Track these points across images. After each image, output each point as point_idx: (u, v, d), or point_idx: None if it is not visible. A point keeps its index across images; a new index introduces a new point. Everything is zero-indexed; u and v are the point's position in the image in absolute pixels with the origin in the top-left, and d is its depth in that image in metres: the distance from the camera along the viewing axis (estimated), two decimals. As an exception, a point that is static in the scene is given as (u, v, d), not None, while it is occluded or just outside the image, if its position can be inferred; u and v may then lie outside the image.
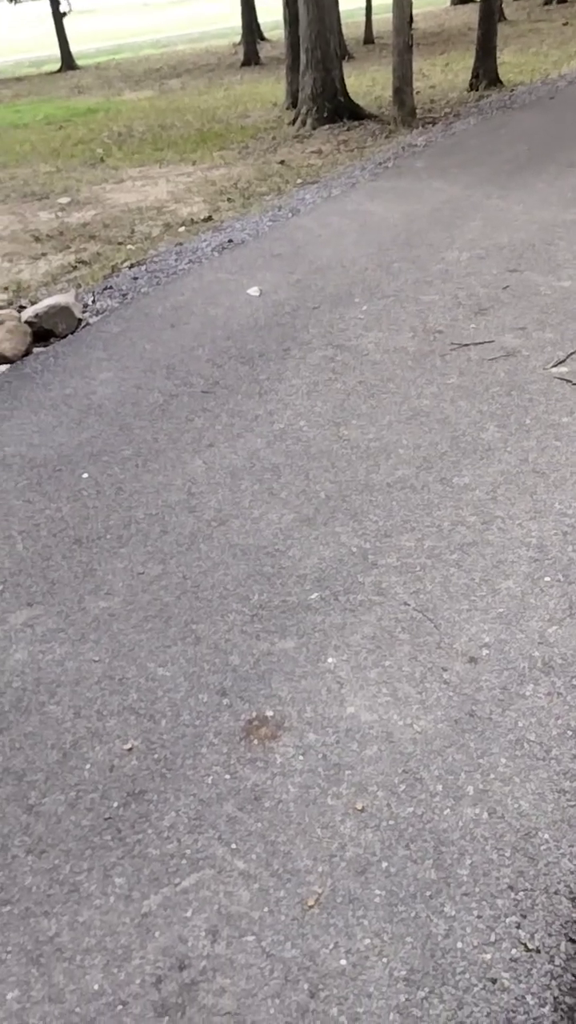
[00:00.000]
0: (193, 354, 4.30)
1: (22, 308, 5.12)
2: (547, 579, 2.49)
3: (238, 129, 11.22)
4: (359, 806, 1.86)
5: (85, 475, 3.30)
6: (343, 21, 11.64)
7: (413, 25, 9.91)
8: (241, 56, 20.52)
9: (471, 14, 19.64)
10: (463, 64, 13.75)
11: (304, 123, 10.60)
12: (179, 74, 20.14)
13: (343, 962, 1.57)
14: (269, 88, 14.95)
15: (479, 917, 1.62)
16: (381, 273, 5.10)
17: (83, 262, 6.18)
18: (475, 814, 1.82)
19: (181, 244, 6.34)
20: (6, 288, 5.71)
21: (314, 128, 10.45)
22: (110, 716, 2.18)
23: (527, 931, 1.59)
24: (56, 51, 25.71)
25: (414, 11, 9.93)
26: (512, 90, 11.60)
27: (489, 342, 4.03)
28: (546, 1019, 1.46)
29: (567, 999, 1.48)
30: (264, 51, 21.22)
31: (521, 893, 1.66)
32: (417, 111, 10.36)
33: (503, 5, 19.13)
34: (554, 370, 3.70)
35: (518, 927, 1.60)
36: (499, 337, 4.07)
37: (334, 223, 6.29)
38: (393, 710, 2.10)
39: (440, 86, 12.72)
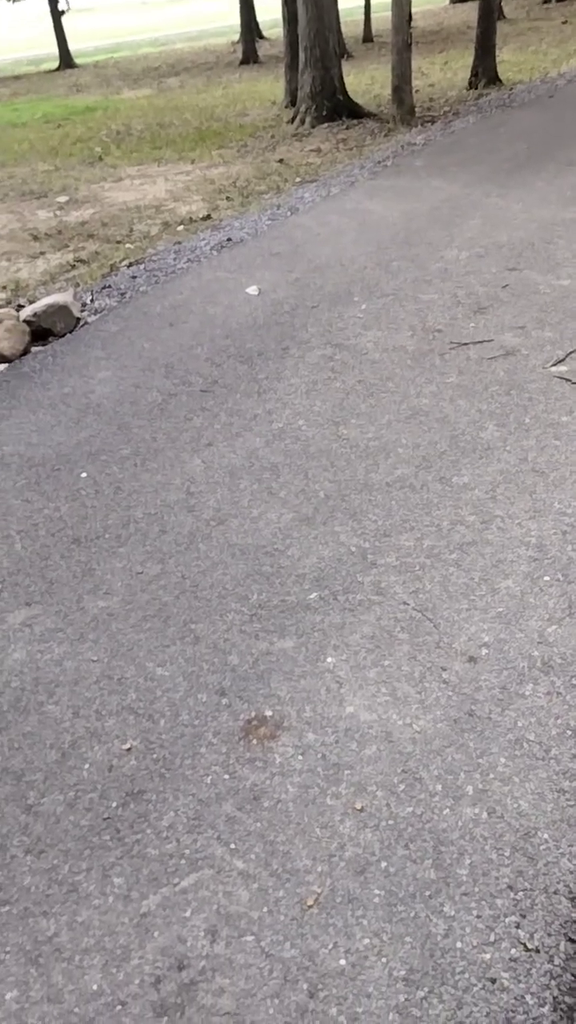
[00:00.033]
0: (192, 353, 4.30)
1: (20, 307, 5.12)
2: (546, 578, 2.48)
3: (237, 128, 11.21)
4: (358, 806, 1.86)
5: (84, 474, 3.30)
6: (342, 19, 11.63)
7: (412, 23, 9.91)
8: (240, 54, 20.52)
9: (470, 12, 19.64)
10: (462, 62, 13.74)
11: (303, 121, 10.59)
12: (177, 72, 20.12)
13: (342, 962, 1.57)
14: (268, 86, 14.94)
15: (478, 917, 1.62)
16: (380, 272, 5.09)
17: (81, 261, 6.17)
18: (474, 814, 1.82)
19: (180, 243, 6.33)
20: (4, 287, 5.71)
21: (313, 126, 10.44)
22: (109, 716, 2.17)
23: (526, 931, 1.59)
24: (54, 49, 25.69)
25: (413, 9, 9.93)
26: (511, 88, 11.59)
27: (488, 341, 4.03)
28: (545, 1019, 1.46)
29: (567, 999, 1.48)
30: (263, 49, 21.21)
31: (520, 893, 1.65)
32: (416, 109, 10.35)
33: (502, 3, 19.13)
34: (553, 369, 3.69)
35: (517, 927, 1.60)
36: (498, 336, 4.07)
37: (333, 222, 6.28)
38: (392, 710, 2.09)
39: (439, 84, 12.71)
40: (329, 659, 2.27)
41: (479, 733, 2.01)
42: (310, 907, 1.67)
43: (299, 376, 3.91)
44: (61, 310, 4.78)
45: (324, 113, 10.50)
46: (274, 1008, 1.51)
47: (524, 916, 1.61)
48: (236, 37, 22.47)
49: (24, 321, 4.70)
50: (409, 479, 3.04)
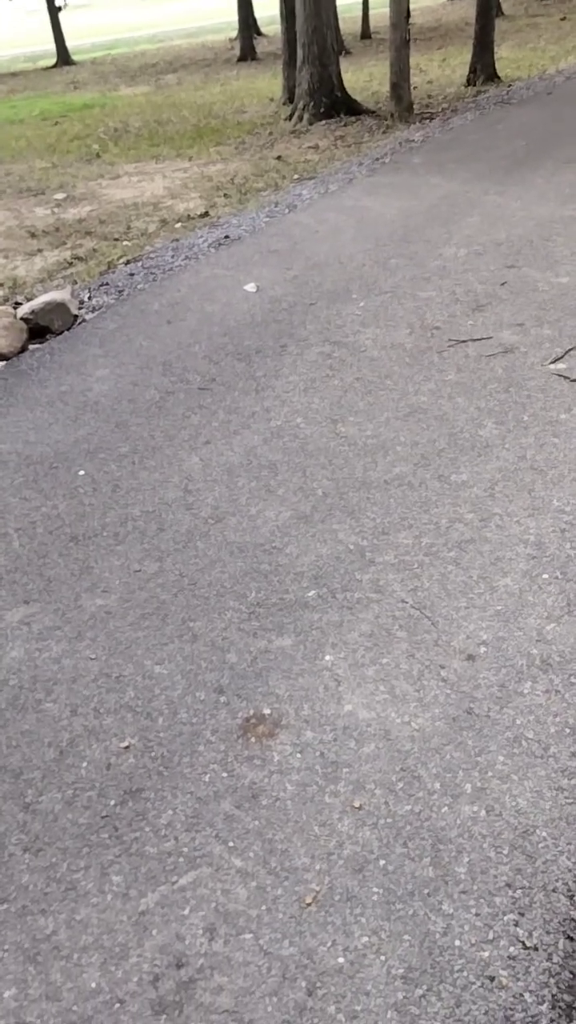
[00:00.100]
0: (190, 351, 4.29)
1: (18, 304, 5.10)
2: (545, 576, 2.48)
3: (234, 125, 11.19)
4: (357, 804, 1.86)
5: (81, 472, 3.30)
6: (340, 16, 11.63)
7: (410, 20, 9.89)
8: (237, 51, 20.48)
9: (468, 9, 19.61)
10: (460, 59, 13.72)
11: (301, 118, 10.57)
12: (175, 69, 20.08)
13: (341, 960, 1.57)
14: (266, 83, 14.91)
15: (477, 915, 1.62)
16: (378, 269, 5.09)
17: (79, 258, 6.16)
18: (473, 812, 1.82)
19: (177, 240, 6.32)
20: (2, 284, 5.70)
21: (311, 124, 10.43)
22: (107, 714, 2.17)
23: (525, 929, 1.59)
24: (52, 46, 25.63)
25: (411, 6, 9.91)
26: (510, 86, 11.58)
27: (487, 338, 4.03)
28: (544, 1017, 1.46)
29: (565, 996, 1.48)
30: (261, 46, 21.17)
31: (519, 891, 1.65)
32: (414, 106, 10.34)
33: (500, 0, 19.11)
34: (552, 366, 3.69)
35: (516, 925, 1.60)
36: (497, 333, 4.06)
37: (331, 219, 6.27)
38: (391, 708, 2.09)
39: (437, 81, 12.70)
40: (327, 657, 2.27)
41: (478, 731, 2.01)
42: (308, 905, 1.67)
43: (297, 374, 3.91)
44: (59, 308, 4.77)
45: (322, 110, 10.48)
46: (272, 1006, 1.51)
47: (523, 914, 1.61)
48: (234, 34, 22.43)
49: (22, 319, 4.69)
50: (407, 477, 3.04)
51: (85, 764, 2.03)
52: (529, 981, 1.51)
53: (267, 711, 2.13)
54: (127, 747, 2.07)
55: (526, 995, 1.49)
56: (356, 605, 2.45)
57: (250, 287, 5.05)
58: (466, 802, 1.84)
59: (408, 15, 9.71)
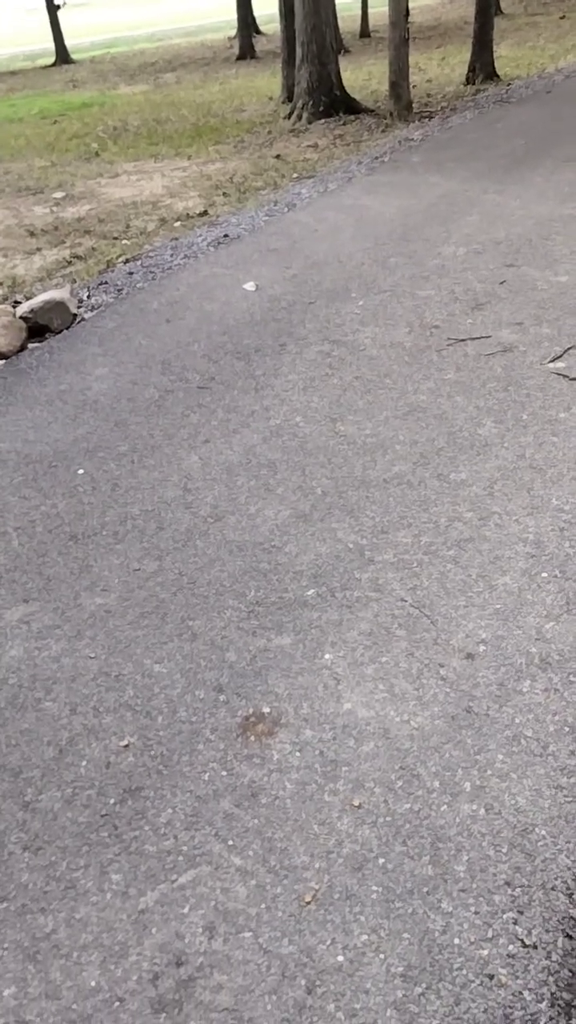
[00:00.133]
0: (189, 349, 4.29)
1: (17, 303, 5.10)
2: (544, 575, 2.48)
3: (233, 123, 11.19)
4: (356, 802, 1.86)
5: (81, 471, 3.29)
6: (339, 15, 11.63)
7: (409, 19, 9.88)
8: (236, 50, 20.47)
9: (468, 8, 19.61)
10: (459, 58, 13.71)
11: (300, 117, 10.56)
12: (174, 68, 20.07)
13: (340, 958, 1.57)
14: (265, 82, 14.90)
15: (476, 913, 1.62)
16: (377, 268, 5.09)
17: (78, 257, 6.16)
18: (472, 810, 1.82)
19: (176, 239, 6.32)
20: (1, 283, 5.69)
21: (310, 122, 10.42)
22: (106, 713, 2.17)
23: (524, 927, 1.59)
24: (51, 44, 25.60)
25: (410, 5, 9.90)
26: (509, 84, 11.58)
27: (486, 337, 4.03)
28: (543, 1015, 1.46)
29: (564, 995, 1.49)
30: (260, 45, 21.16)
31: (518, 889, 1.66)
32: (413, 105, 10.33)
33: (499, -1, 19.11)
34: (551, 365, 3.69)
35: (515, 923, 1.60)
36: (496, 332, 4.06)
37: (330, 218, 6.27)
38: (390, 706, 2.10)
39: (437, 80, 12.69)
40: (327, 656, 2.27)
41: (477, 730, 2.01)
42: (308, 903, 1.67)
43: (296, 372, 3.91)
44: (58, 306, 4.77)
45: (321, 109, 10.48)
46: (272, 1004, 1.51)
47: (522, 912, 1.62)
48: (233, 32, 22.41)
49: (21, 317, 4.69)
50: (407, 476, 3.04)
51: (84, 763, 2.03)
52: (528, 979, 1.51)
53: (266, 710, 2.13)
54: (126, 746, 2.07)
55: (525, 993, 1.49)
56: (355, 604, 2.45)
57: (249, 286, 5.05)
58: (465, 800, 1.84)
59: (407, 14, 9.71)
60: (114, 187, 8.32)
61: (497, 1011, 1.47)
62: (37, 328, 4.70)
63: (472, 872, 1.69)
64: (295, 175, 7.96)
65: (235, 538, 2.80)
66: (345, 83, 10.93)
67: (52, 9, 24.92)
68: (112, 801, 1.93)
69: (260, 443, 3.36)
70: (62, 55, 25.00)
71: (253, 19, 21.80)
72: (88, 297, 5.23)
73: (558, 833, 1.75)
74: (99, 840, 1.84)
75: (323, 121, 10.39)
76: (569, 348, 3.81)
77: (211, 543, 2.79)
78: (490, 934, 1.58)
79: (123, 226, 6.88)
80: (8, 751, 2.09)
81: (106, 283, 5.45)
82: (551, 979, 1.51)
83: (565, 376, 3.58)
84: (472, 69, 11.99)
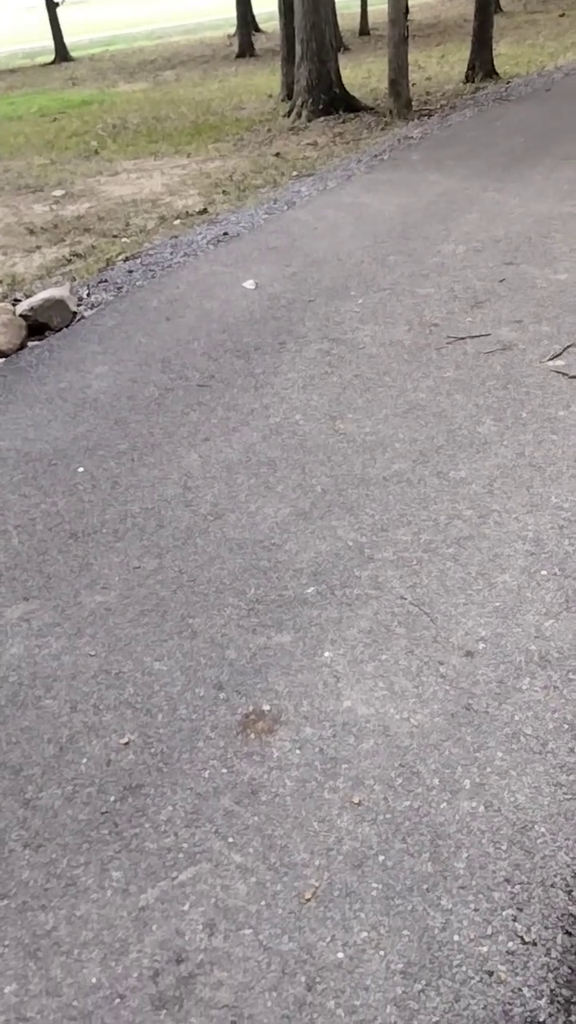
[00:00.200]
0: (188, 348, 4.29)
1: (17, 301, 5.10)
2: (543, 573, 2.49)
3: (233, 121, 11.18)
4: (356, 800, 1.87)
5: (81, 469, 3.30)
6: (339, 12, 11.61)
7: (409, 16, 9.88)
8: (236, 48, 20.45)
9: (467, 5, 19.59)
10: (459, 56, 13.70)
11: (299, 115, 10.56)
12: (174, 66, 20.05)
13: (340, 955, 1.58)
14: (264, 80, 14.89)
15: (476, 910, 1.63)
16: (377, 266, 5.09)
17: (78, 255, 6.15)
18: (472, 807, 1.82)
19: (176, 237, 6.31)
20: (1, 281, 5.69)
21: (309, 120, 10.41)
22: (107, 710, 2.17)
23: (523, 924, 1.60)
24: (50, 42, 25.57)
25: (410, 2, 9.89)
26: (508, 82, 11.57)
27: (485, 335, 4.03)
28: (542, 1011, 1.46)
29: (563, 991, 1.49)
30: (259, 42, 21.14)
31: (518, 886, 1.66)
32: (413, 103, 10.33)
33: (499, -4, 19.09)
34: (550, 363, 3.70)
35: (515, 920, 1.60)
36: (495, 330, 4.06)
37: (330, 216, 6.27)
38: (390, 704, 2.10)
39: (436, 78, 12.68)
40: (326, 653, 2.28)
41: (476, 727, 2.01)
42: (308, 900, 1.67)
43: (296, 371, 3.91)
44: (57, 304, 4.77)
45: (320, 107, 10.47)
46: (272, 1001, 1.52)
47: (521, 909, 1.62)
48: (232, 30, 22.39)
49: (20, 315, 4.69)
50: (406, 474, 3.04)
51: (85, 760, 2.04)
52: (528, 976, 1.51)
53: (266, 707, 2.13)
54: (127, 743, 2.07)
55: (524, 990, 1.49)
56: (355, 601, 2.45)
57: (249, 284, 5.05)
58: (465, 798, 1.84)
59: (407, 11, 9.70)
60: (114, 185, 8.31)
61: (497, 1007, 1.47)
62: (37, 326, 4.70)
63: (472, 869, 1.70)
64: (295, 173, 7.95)
65: (235, 536, 2.80)
66: (345, 81, 10.93)
67: (51, 7, 24.88)
68: (112, 798, 1.93)
69: (260, 441, 3.36)
70: (61, 53, 24.97)
71: (252, 17, 21.78)
72: (88, 295, 5.23)
73: (557, 830, 1.76)
74: (99, 837, 1.85)
75: (323, 119, 10.38)
76: (568, 346, 3.81)
77: (211, 541, 2.79)
78: (490, 931, 1.59)
79: (123, 224, 6.87)
80: (9, 749, 2.10)
81: (106, 281, 5.45)
82: (550, 976, 1.51)
83: (564, 374, 3.59)
84: (471, 67, 11.98)
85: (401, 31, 9.64)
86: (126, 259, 5.91)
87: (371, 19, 20.88)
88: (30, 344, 4.60)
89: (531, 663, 2.18)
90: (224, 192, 7.56)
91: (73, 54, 25.48)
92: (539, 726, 2.00)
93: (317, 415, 3.51)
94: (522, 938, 1.57)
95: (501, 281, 4.63)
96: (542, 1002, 1.48)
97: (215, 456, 3.29)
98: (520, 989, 1.50)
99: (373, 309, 4.48)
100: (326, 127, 10.06)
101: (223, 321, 4.56)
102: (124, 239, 6.46)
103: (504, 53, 13.78)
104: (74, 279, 5.60)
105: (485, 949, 1.56)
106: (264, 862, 1.75)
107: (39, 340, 4.65)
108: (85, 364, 4.24)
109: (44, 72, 22.70)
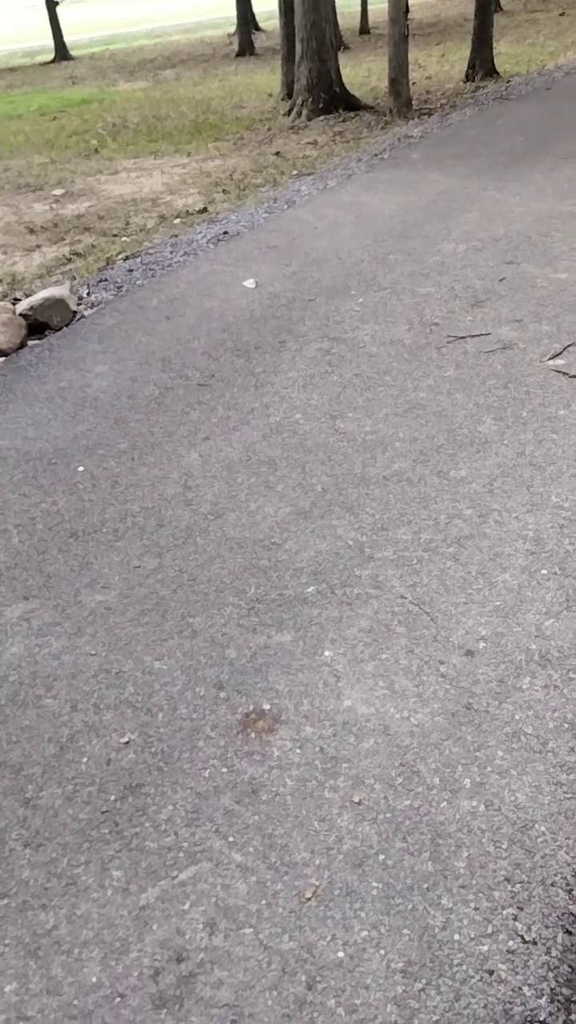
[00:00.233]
0: (189, 347, 4.29)
1: (16, 300, 5.10)
2: (544, 572, 2.49)
3: (233, 120, 11.17)
4: (356, 799, 1.87)
5: (81, 468, 3.30)
6: (339, 11, 11.61)
7: (409, 15, 9.87)
8: (236, 46, 20.45)
9: (467, 4, 19.59)
10: (459, 55, 13.69)
11: (299, 114, 10.55)
12: (174, 65, 20.04)
13: (340, 954, 1.58)
14: (264, 79, 14.88)
15: (476, 909, 1.63)
16: (377, 265, 5.09)
17: (78, 254, 6.15)
18: (472, 807, 1.82)
19: (176, 236, 6.31)
20: (0, 280, 5.69)
21: (309, 119, 10.41)
22: (107, 710, 2.17)
23: (524, 923, 1.60)
24: (49, 41, 25.56)
25: (410, 1, 9.89)
26: (508, 81, 11.56)
27: (486, 334, 4.02)
28: (543, 1010, 1.46)
29: (564, 990, 1.49)
30: (259, 41, 21.14)
31: (518, 885, 1.66)
32: (413, 102, 10.32)
33: (499, -5, 19.08)
34: (551, 363, 3.69)
35: (515, 919, 1.60)
36: (496, 329, 4.06)
37: (330, 215, 6.26)
38: (390, 703, 2.10)
39: (436, 77, 12.68)
40: (327, 652, 2.28)
41: (477, 726, 2.01)
42: (308, 900, 1.67)
43: (296, 370, 3.91)
44: (57, 303, 4.77)
45: (321, 106, 10.46)
46: (272, 1000, 1.52)
47: (521, 908, 1.62)
48: (232, 29, 22.38)
49: (20, 315, 4.68)
50: (406, 473, 3.04)
51: (85, 759, 2.04)
52: (528, 975, 1.52)
53: (267, 706, 2.13)
54: (127, 743, 2.07)
55: (525, 989, 1.50)
56: (355, 601, 2.45)
57: (249, 283, 5.05)
58: (465, 797, 1.84)
59: (407, 10, 9.69)
60: (114, 184, 8.31)
61: (497, 1007, 1.47)
62: (37, 325, 4.70)
63: (472, 868, 1.70)
64: (295, 172, 7.95)
65: (235, 535, 2.80)
66: (345, 80, 10.92)
67: (51, 5, 24.87)
68: (113, 798, 1.93)
69: (260, 440, 3.36)
70: (61, 52, 24.97)
71: (252, 16, 21.77)
72: (88, 294, 5.23)
73: (558, 829, 1.76)
74: (100, 837, 1.85)
75: (323, 118, 10.38)
76: (569, 345, 3.81)
77: (211, 540, 2.79)
78: (490, 930, 1.59)
79: (123, 223, 6.87)
80: (9, 748, 2.10)
81: (106, 280, 5.45)
82: (551, 975, 1.51)
83: (565, 373, 3.58)
84: (472, 66, 11.98)
85: (401, 30, 9.64)
86: (126, 258, 5.91)
87: (371, 18, 20.87)
88: (30, 343, 4.60)
89: (531, 662, 2.18)
90: (224, 191, 7.56)
91: (73, 53, 25.47)
92: (539, 725, 2.00)
93: (317, 414, 3.51)
94: (522, 937, 1.57)
95: (501, 280, 4.63)
96: (542, 1001, 1.48)
97: (215, 455, 3.29)
98: (520, 988, 1.50)
99: (373, 308, 4.47)
100: (326, 126, 10.06)
101: (223, 320, 4.56)
102: (124, 238, 6.45)
103: (504, 52, 13.77)
104: (74, 278, 5.60)
105: (485, 948, 1.56)
106: (264, 861, 1.75)
107: (39, 339, 4.65)
108: (85, 363, 4.24)
109: (44, 71, 22.69)
